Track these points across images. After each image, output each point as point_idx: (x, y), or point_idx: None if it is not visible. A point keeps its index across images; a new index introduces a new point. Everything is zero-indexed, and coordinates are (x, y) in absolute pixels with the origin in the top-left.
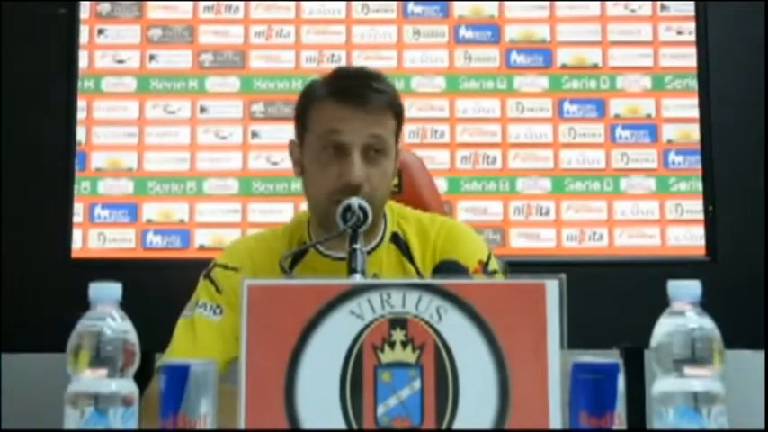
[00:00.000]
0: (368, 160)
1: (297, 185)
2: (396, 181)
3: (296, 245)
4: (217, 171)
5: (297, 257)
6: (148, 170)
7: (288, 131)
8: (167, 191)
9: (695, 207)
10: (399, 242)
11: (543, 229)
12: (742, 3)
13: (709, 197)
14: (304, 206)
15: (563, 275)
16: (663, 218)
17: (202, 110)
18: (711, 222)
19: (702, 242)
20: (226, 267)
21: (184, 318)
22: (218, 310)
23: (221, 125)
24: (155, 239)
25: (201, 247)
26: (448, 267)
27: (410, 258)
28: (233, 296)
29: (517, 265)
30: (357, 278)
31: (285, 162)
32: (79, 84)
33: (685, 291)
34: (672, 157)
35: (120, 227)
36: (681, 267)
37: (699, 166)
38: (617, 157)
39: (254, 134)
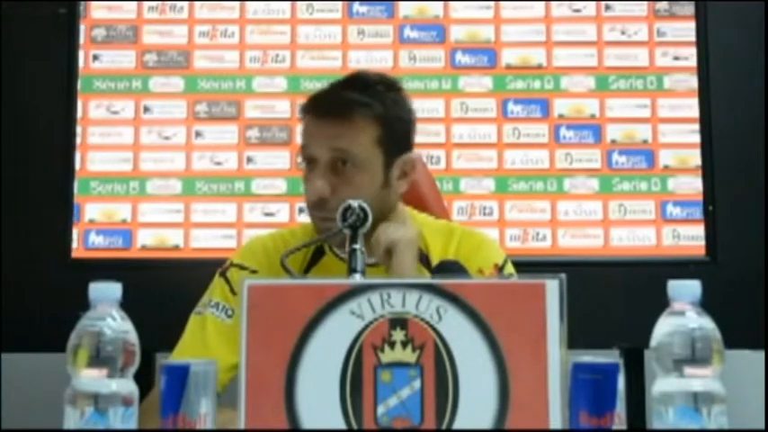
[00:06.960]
0: (335, 173)
1: (240, 185)
2: None
3: (311, 247)
4: (160, 171)
5: (313, 260)
6: (91, 170)
7: (231, 132)
8: (110, 191)
9: (638, 207)
10: (419, 253)
11: (486, 229)
12: (742, 3)
13: (709, 197)
14: (248, 206)
15: (563, 275)
16: (606, 218)
17: (146, 110)
18: (711, 222)
19: (646, 242)
20: (242, 268)
21: (196, 315)
22: (230, 312)
23: (165, 125)
24: (96, 240)
25: (144, 248)
26: (448, 267)
27: (428, 266)
28: None
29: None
30: (357, 278)
31: (229, 162)
32: None
33: (685, 291)
34: (615, 157)
35: None
36: (681, 267)
37: (643, 166)
38: (561, 157)
39: (198, 134)
